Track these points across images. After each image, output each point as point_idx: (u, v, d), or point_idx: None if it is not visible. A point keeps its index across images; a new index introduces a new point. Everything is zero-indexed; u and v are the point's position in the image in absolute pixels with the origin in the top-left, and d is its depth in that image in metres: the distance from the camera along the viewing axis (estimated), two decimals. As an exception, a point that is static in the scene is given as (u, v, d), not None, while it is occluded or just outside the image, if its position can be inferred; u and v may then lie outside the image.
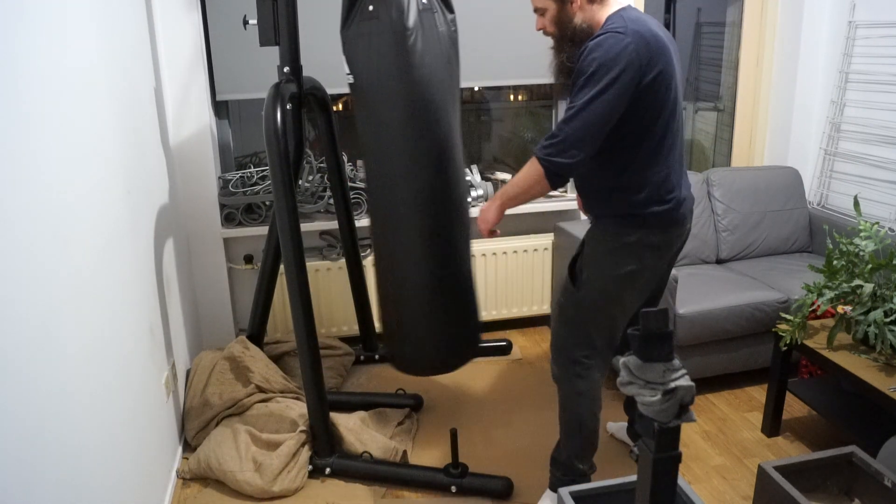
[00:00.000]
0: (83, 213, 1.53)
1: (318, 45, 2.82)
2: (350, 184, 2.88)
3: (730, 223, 3.13)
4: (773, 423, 2.47)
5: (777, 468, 1.84)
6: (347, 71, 2.12)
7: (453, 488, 2.17)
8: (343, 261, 2.89)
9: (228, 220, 2.89)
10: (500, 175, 3.29)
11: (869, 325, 2.15)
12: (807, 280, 2.77)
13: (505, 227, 3.25)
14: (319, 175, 2.94)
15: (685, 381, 1.26)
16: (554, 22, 1.84)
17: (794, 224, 3.21)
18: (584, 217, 2.80)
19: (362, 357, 2.99)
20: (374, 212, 2.22)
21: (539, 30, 1.90)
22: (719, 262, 3.15)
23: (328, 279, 2.99)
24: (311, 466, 2.26)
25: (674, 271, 2.57)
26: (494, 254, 3.16)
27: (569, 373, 1.98)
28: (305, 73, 2.33)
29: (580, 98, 1.69)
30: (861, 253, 2.25)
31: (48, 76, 1.38)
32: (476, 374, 2.94)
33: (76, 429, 1.39)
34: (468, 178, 3.19)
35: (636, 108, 1.72)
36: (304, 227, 2.70)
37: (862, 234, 2.26)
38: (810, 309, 2.33)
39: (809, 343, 2.31)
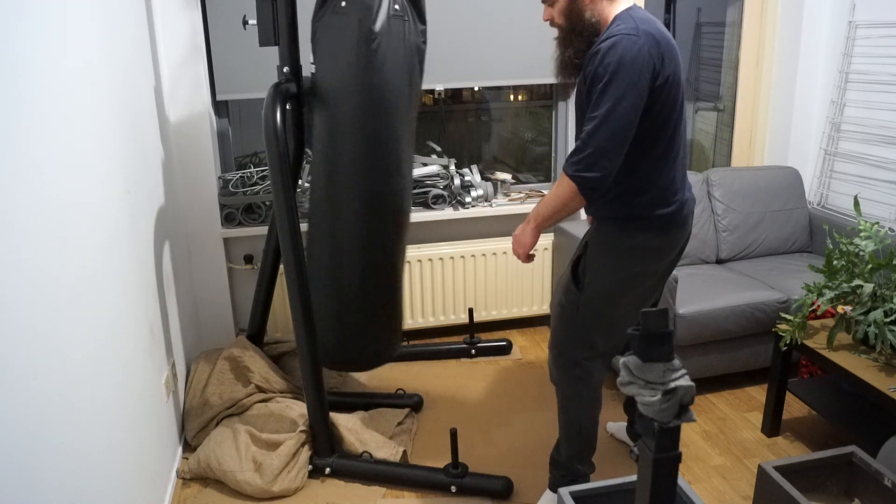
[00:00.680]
0: (83, 213, 1.53)
1: (317, 45, 2.82)
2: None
3: (730, 223, 3.13)
4: (773, 423, 2.47)
5: (777, 468, 1.84)
6: (311, 61, 2.15)
7: (453, 488, 2.17)
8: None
9: (228, 220, 2.89)
10: (500, 175, 3.29)
11: (869, 325, 2.15)
12: (807, 280, 2.77)
13: (505, 227, 3.25)
14: (319, 175, 2.94)
15: (685, 381, 1.26)
16: (563, 13, 1.80)
17: (794, 224, 3.21)
18: (584, 216, 2.79)
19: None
20: (315, 205, 2.25)
21: (546, 20, 1.86)
22: (719, 262, 3.15)
23: (328, 279, 2.99)
24: (311, 466, 2.26)
25: (674, 271, 2.58)
26: (494, 254, 3.16)
27: (569, 375, 1.97)
28: (305, 73, 2.33)
29: (602, 107, 1.65)
30: (861, 253, 2.25)
31: (48, 76, 1.38)
32: (476, 374, 2.94)
33: (76, 429, 1.39)
34: (468, 177, 3.19)
35: (650, 110, 1.70)
36: (305, 227, 2.69)
37: (862, 234, 2.26)
38: (810, 309, 2.33)
39: (809, 343, 2.31)
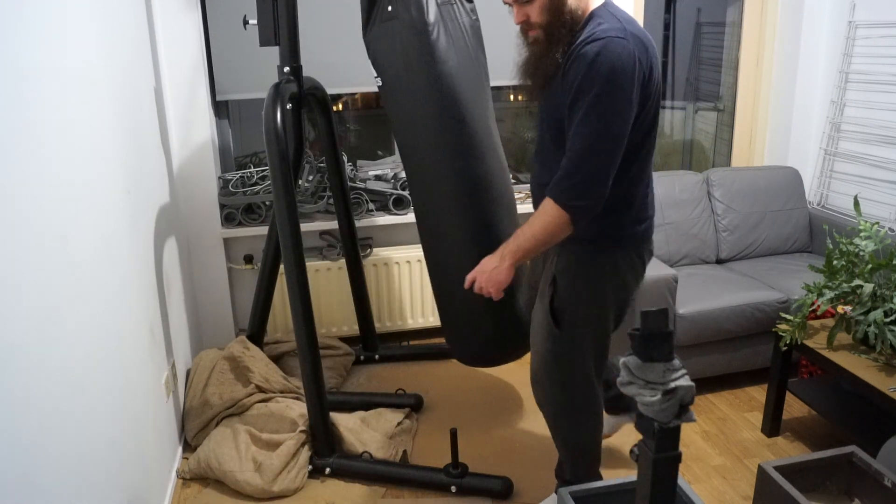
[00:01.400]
0: (83, 212, 1.53)
1: (318, 45, 2.82)
2: (350, 184, 2.88)
3: (730, 223, 3.13)
4: (773, 423, 2.47)
5: (777, 468, 1.84)
6: (375, 74, 2.11)
7: (453, 488, 2.17)
8: (343, 261, 2.89)
9: (228, 220, 2.89)
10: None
11: (869, 325, 2.15)
12: (807, 280, 2.77)
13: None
14: (319, 175, 2.94)
15: (685, 381, 1.26)
16: (545, 8, 1.56)
17: (794, 224, 3.21)
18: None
19: (362, 357, 2.99)
20: (418, 210, 2.21)
21: (520, 23, 1.62)
22: (719, 262, 3.15)
23: (328, 279, 2.99)
24: (311, 466, 2.26)
25: (674, 271, 2.58)
26: (494, 254, 3.15)
27: (567, 403, 1.85)
28: (305, 73, 2.33)
29: (592, 123, 1.46)
30: (861, 253, 2.25)
31: (48, 76, 1.38)
32: (476, 374, 2.94)
33: (76, 429, 1.39)
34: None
35: (636, 120, 1.55)
36: (304, 227, 2.69)
37: (862, 234, 2.26)
38: (810, 309, 2.33)
39: (809, 343, 2.31)
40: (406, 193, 2.96)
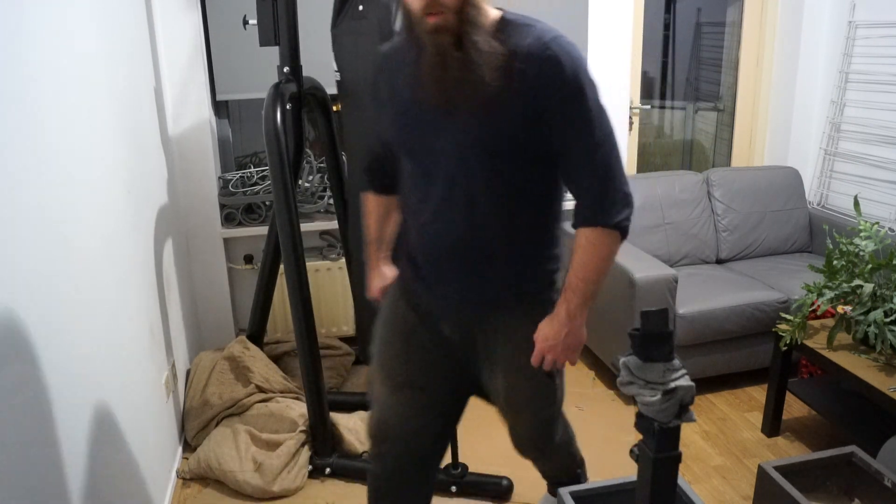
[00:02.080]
0: (83, 212, 1.53)
1: (318, 45, 2.82)
2: (350, 184, 2.88)
3: (730, 223, 3.13)
4: (773, 423, 2.47)
5: (777, 468, 1.84)
6: (335, 68, 2.13)
7: (453, 488, 2.17)
8: (343, 261, 2.89)
9: (228, 220, 2.89)
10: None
11: (869, 325, 2.15)
12: (807, 280, 2.76)
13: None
14: (319, 175, 2.94)
15: (685, 381, 1.26)
16: None
17: (794, 224, 3.21)
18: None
19: (362, 357, 2.98)
20: (353, 211, 2.22)
21: (425, 5, 1.22)
22: (719, 262, 3.15)
23: (328, 279, 2.99)
24: (311, 466, 2.26)
25: (674, 271, 2.58)
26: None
27: (567, 425, 1.80)
28: (305, 73, 2.33)
29: (597, 127, 1.32)
30: (861, 253, 2.25)
31: (48, 76, 1.38)
32: (476, 374, 2.94)
33: (76, 429, 1.39)
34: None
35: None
36: (304, 227, 2.69)
37: (862, 234, 2.26)
38: (810, 309, 2.33)
39: (809, 343, 2.31)
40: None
